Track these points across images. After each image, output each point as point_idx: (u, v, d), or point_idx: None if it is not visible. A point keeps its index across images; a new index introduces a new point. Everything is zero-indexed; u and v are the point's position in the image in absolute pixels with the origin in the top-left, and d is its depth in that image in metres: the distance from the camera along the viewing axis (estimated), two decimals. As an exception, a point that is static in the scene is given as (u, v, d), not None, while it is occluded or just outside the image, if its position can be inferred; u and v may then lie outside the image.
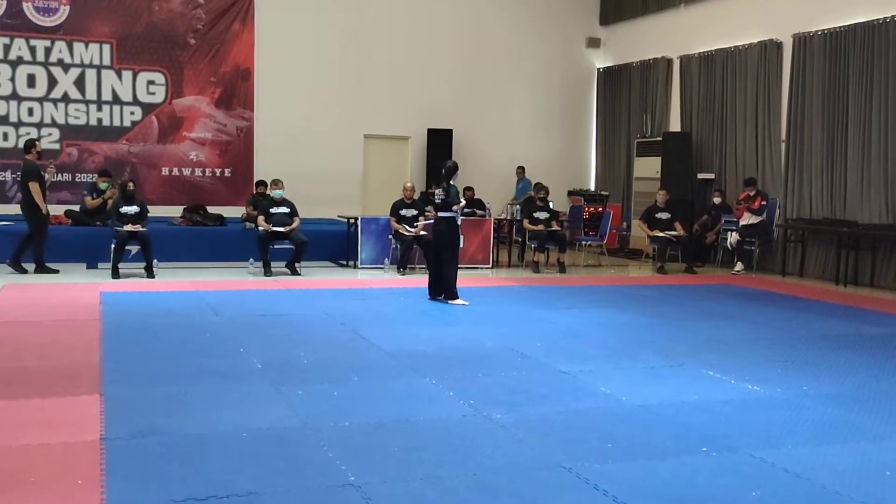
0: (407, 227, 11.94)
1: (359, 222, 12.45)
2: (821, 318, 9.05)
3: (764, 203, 12.93)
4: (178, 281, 10.44)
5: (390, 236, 12.22)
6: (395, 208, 12.14)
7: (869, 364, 6.75)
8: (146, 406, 5.04)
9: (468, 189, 13.41)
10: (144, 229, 10.77)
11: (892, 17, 11.47)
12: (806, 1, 12.99)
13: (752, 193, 12.93)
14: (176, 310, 8.43)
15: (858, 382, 6.12)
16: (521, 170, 15.84)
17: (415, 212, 12.13)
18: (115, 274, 10.56)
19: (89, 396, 5.20)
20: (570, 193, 17.25)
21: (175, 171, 14.76)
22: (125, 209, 10.83)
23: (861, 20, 11.92)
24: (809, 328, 8.38)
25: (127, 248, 10.77)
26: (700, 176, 14.79)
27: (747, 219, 12.95)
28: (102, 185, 12.22)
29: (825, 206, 12.59)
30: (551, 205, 13.44)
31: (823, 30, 12.53)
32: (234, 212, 13.67)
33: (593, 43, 17.74)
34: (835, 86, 12.42)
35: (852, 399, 5.64)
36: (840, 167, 12.36)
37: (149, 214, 11.17)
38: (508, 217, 13.84)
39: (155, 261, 10.79)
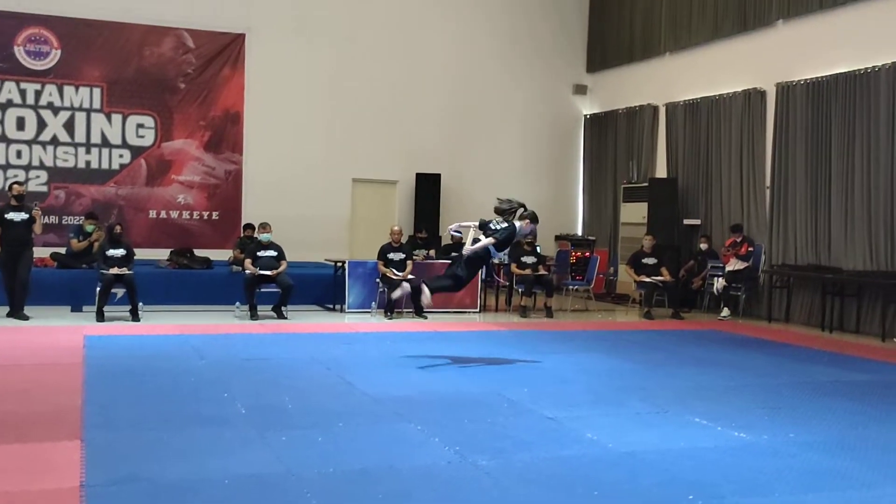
0: (395, 270, 11.95)
1: (346, 266, 12.45)
2: (807, 364, 9.06)
3: (751, 249, 13.02)
4: (163, 324, 10.39)
5: (378, 280, 12.22)
6: (383, 252, 12.16)
7: (855, 411, 6.75)
8: (128, 452, 4.98)
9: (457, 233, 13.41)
10: (130, 272, 10.74)
11: (873, 67, 11.69)
12: (789, 51, 13.22)
13: (738, 240, 13.02)
14: (161, 353, 8.37)
15: (844, 429, 6.11)
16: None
17: (402, 255, 12.15)
18: (100, 317, 10.51)
19: (70, 442, 5.13)
20: (558, 238, 17.30)
21: (163, 214, 14.76)
22: (112, 252, 10.81)
23: (843, 70, 12.13)
24: (795, 374, 8.39)
25: (112, 291, 10.71)
26: (686, 222, 14.90)
27: (733, 264, 13.02)
28: (88, 228, 12.20)
29: (810, 253, 12.68)
30: (538, 249, 13.48)
31: (806, 79, 12.74)
32: (222, 255, 13.62)
33: (580, 90, 17.98)
34: (818, 134, 12.59)
35: (838, 446, 5.63)
36: (824, 214, 12.49)
37: (135, 257, 11.15)
38: (496, 261, 13.82)
39: (140, 304, 10.74)
